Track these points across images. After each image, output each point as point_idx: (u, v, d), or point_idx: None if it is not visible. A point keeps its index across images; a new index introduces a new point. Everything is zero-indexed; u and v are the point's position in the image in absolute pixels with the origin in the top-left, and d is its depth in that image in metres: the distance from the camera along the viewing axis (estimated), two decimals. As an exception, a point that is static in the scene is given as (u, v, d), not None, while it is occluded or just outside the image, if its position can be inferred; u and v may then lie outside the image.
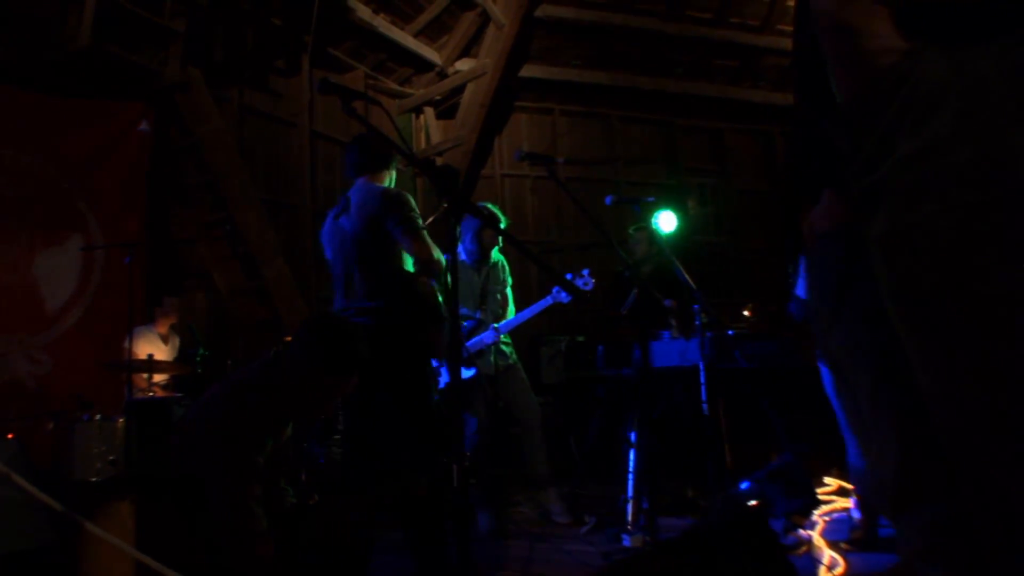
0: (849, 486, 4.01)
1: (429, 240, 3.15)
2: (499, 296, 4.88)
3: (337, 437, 4.79)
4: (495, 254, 4.93)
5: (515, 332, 4.80)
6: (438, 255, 3.14)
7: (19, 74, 5.43)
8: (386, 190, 3.25)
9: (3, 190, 5.32)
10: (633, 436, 4.09)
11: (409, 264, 3.27)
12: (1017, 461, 0.93)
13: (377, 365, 3.14)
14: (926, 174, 1.00)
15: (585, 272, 4.56)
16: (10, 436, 3.70)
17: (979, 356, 0.96)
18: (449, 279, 3.13)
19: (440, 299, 3.29)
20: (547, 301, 4.63)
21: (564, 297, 4.53)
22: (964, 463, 1.02)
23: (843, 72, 1.12)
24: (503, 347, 4.73)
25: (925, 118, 1.00)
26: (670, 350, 4.55)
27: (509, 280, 4.99)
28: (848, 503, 3.92)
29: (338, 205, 3.43)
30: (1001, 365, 0.94)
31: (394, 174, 3.51)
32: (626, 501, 4.03)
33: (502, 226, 4.84)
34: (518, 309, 4.83)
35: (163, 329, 5.86)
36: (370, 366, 3.16)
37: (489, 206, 4.73)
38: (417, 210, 3.20)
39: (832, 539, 3.54)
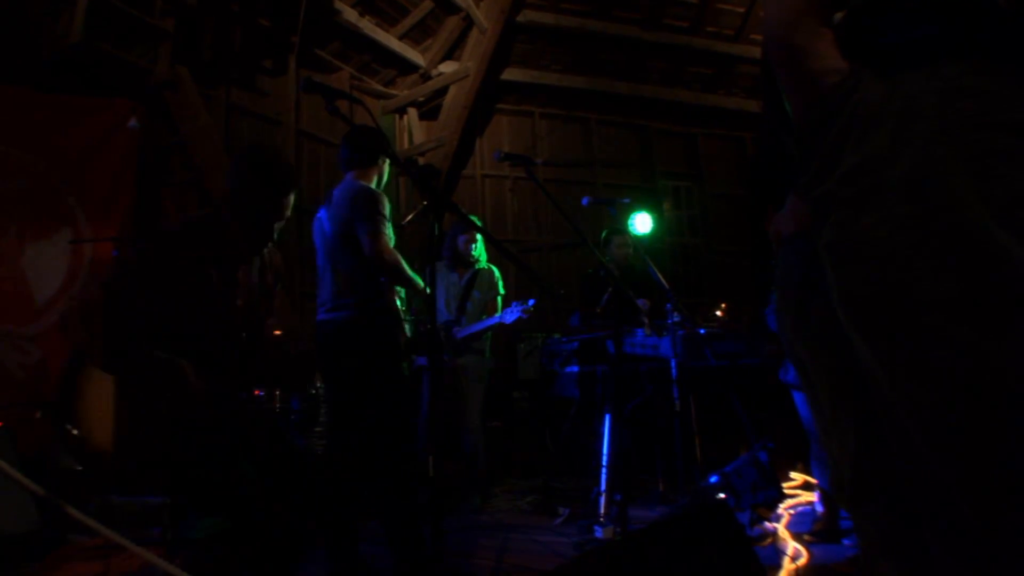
0: (813, 480, 4.07)
1: (386, 240, 3.13)
2: (484, 303, 4.91)
3: (319, 429, 4.78)
4: (484, 262, 4.96)
5: (496, 329, 4.84)
6: (392, 256, 3.12)
7: (10, 71, 5.36)
8: (360, 188, 3.22)
9: (-8, 184, 5.27)
10: (606, 431, 4.12)
11: None
12: (959, 460, 0.97)
13: (346, 361, 3.17)
14: (866, 186, 1.04)
15: (530, 302, 4.60)
16: (-1, 424, 3.67)
17: (916, 359, 1.00)
18: (406, 278, 3.19)
19: (398, 301, 3.30)
20: (494, 319, 4.69)
21: (508, 318, 4.58)
22: (911, 461, 1.05)
23: (792, 91, 1.17)
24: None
25: (866, 134, 1.05)
26: (644, 347, 4.58)
27: (501, 291, 5.01)
28: (812, 497, 3.98)
29: (326, 199, 3.42)
30: (936, 368, 0.97)
31: (386, 172, 3.49)
32: (599, 494, 4.07)
33: (478, 232, 4.87)
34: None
35: None
36: (337, 362, 3.20)
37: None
38: (385, 211, 3.16)
39: (796, 531, 3.59)
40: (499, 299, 4.98)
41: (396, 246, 3.21)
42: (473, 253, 4.94)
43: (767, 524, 3.61)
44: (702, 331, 4.56)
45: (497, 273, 5.04)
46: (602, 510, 4.00)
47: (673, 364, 4.29)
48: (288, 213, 2.64)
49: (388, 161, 3.46)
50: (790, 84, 1.17)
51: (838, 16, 1.13)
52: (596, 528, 3.85)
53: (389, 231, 3.17)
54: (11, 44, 5.33)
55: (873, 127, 1.04)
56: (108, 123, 5.90)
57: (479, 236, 4.96)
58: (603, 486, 4.05)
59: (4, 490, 3.35)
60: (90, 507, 3.95)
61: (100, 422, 4.89)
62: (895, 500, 1.20)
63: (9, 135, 5.37)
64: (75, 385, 5.13)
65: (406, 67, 8.54)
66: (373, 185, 3.31)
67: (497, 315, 4.68)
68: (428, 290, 3.30)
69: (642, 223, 5.27)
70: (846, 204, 1.07)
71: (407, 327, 3.32)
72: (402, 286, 3.27)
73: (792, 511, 4.04)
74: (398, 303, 3.29)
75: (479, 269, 4.96)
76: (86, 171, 5.80)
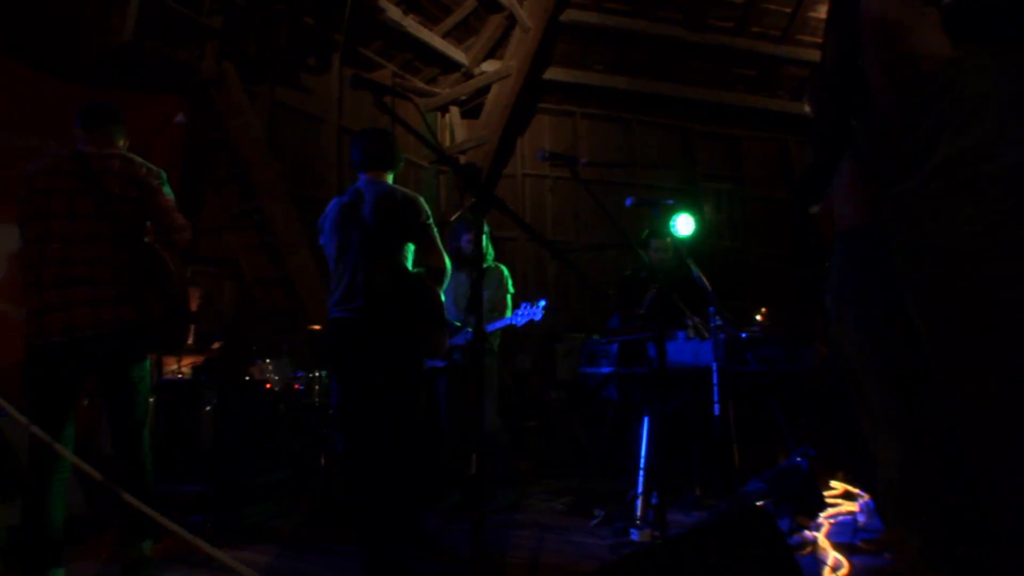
0: (855, 490, 4.00)
1: (443, 249, 3.20)
2: (493, 303, 4.91)
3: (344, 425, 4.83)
4: (490, 260, 4.95)
5: (531, 328, 4.83)
6: (448, 266, 3.20)
7: (62, 67, 5.50)
8: (406, 192, 3.25)
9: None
10: (644, 433, 4.10)
11: (409, 264, 3.28)
12: None
13: (368, 355, 3.16)
14: (963, 180, 0.98)
15: (541, 303, 4.58)
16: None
17: (1005, 361, 0.95)
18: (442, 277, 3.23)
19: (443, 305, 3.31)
20: (504, 321, 4.67)
21: (519, 320, 4.57)
22: (983, 468, 1.02)
23: (886, 76, 1.10)
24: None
25: (967, 125, 0.99)
26: (683, 350, 4.55)
27: (510, 289, 5.01)
28: (853, 506, 3.92)
29: (345, 195, 3.39)
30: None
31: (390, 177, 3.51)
32: (635, 496, 4.04)
33: (484, 234, 4.89)
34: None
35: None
36: (360, 356, 3.18)
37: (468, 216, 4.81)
38: (432, 216, 3.23)
39: (836, 541, 3.53)
40: (508, 298, 4.97)
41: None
42: (482, 251, 4.92)
43: (807, 533, 3.56)
44: (743, 335, 4.51)
45: (506, 272, 5.03)
46: (638, 513, 3.97)
47: (714, 368, 4.25)
48: None
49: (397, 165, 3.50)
50: (884, 69, 1.10)
51: None
52: (632, 531, 3.83)
53: None
54: (63, 42, 5.47)
55: (975, 119, 0.98)
56: (155, 119, 6.03)
57: (484, 234, 4.96)
58: (639, 489, 4.03)
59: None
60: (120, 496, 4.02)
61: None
62: (947, 507, 1.17)
63: (60, 129, 5.49)
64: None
65: (448, 65, 8.58)
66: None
67: (508, 316, 4.67)
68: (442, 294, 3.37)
69: (684, 225, 5.22)
70: (935, 198, 1.01)
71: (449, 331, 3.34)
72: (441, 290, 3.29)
73: (832, 520, 3.98)
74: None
75: (487, 267, 4.95)
76: (134, 166, 5.92)
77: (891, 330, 1.25)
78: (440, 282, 3.22)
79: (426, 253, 3.17)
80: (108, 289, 2.87)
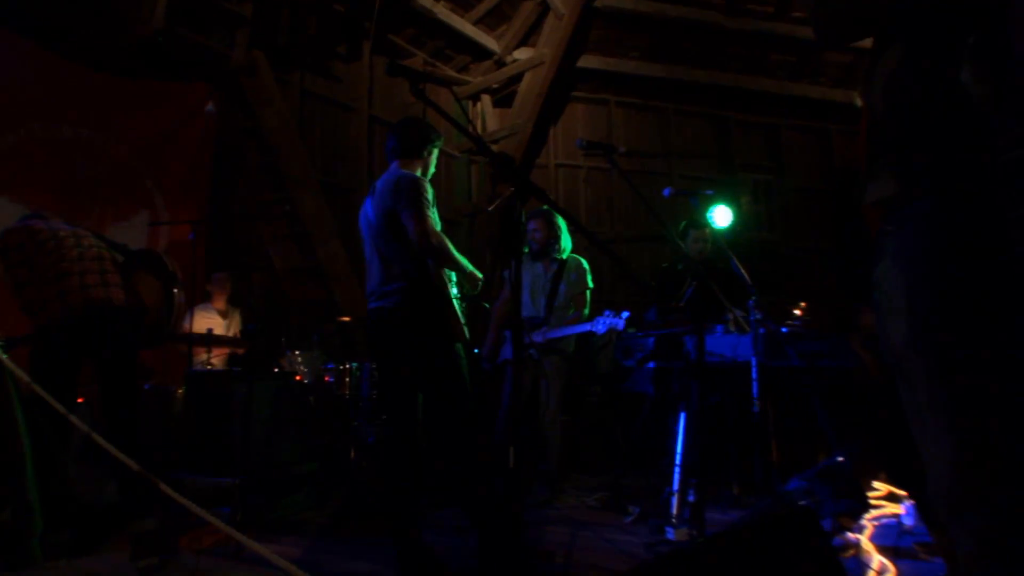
0: (899, 491, 3.92)
1: (431, 223, 3.12)
2: (570, 297, 4.87)
3: (386, 417, 4.84)
4: (567, 252, 4.91)
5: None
6: (438, 239, 3.11)
7: (95, 56, 5.57)
8: (403, 175, 3.24)
9: (78, 167, 5.49)
10: (681, 429, 4.05)
11: None
12: None
13: (398, 348, 3.18)
14: None
15: (624, 314, 4.51)
16: (80, 400, 3.82)
17: None
18: (453, 261, 3.19)
19: (452, 285, 3.29)
20: (585, 327, 4.61)
21: (600, 328, 4.50)
22: None
23: None
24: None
25: None
26: (722, 344, 4.49)
27: (590, 284, 4.95)
28: (899, 508, 3.84)
29: (371, 188, 3.44)
30: None
31: (432, 163, 3.50)
32: (671, 494, 4.00)
33: (553, 220, 4.84)
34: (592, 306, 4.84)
35: (220, 305, 5.97)
36: (390, 350, 3.18)
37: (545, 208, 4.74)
38: (428, 196, 3.18)
39: (881, 544, 3.47)
40: (587, 294, 4.91)
41: (443, 231, 3.22)
42: (553, 243, 4.86)
43: (849, 535, 3.50)
44: (784, 329, 4.45)
45: (585, 264, 4.97)
46: (674, 511, 3.92)
47: (753, 363, 4.19)
48: None
49: (435, 154, 3.49)
50: None
51: None
52: (668, 529, 3.79)
53: (434, 215, 3.17)
54: (94, 31, 5.53)
55: None
56: (186, 108, 6.09)
57: (562, 225, 4.91)
58: (675, 486, 3.98)
59: (87, 463, 3.50)
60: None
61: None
62: (999, 507, 1.13)
63: (92, 120, 5.58)
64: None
65: (480, 53, 8.56)
66: (418, 175, 3.32)
67: (588, 323, 4.60)
68: (480, 276, 3.34)
69: (721, 216, 5.14)
70: None
71: (459, 309, 3.30)
72: (450, 269, 3.27)
73: (876, 522, 3.90)
74: (452, 287, 3.29)
75: (565, 259, 4.90)
76: (164, 155, 6.01)
77: (941, 322, 1.21)
78: (430, 255, 3.17)
79: (410, 227, 3.10)
80: None
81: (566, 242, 4.88)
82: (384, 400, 3.40)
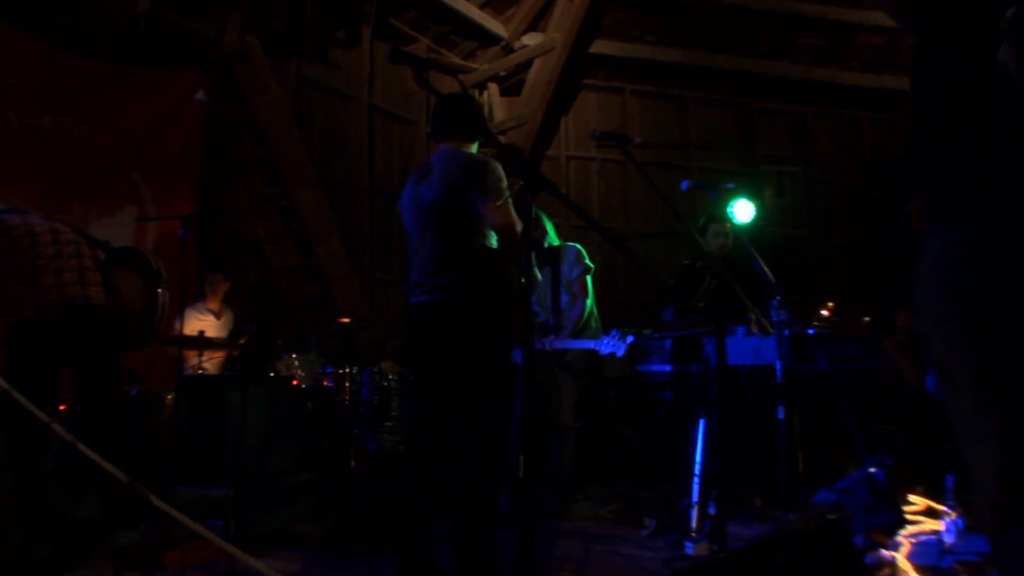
0: (939, 506, 3.88)
1: (513, 212, 3.03)
2: (565, 294, 4.84)
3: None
4: (554, 238, 4.88)
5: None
6: (517, 226, 3.02)
7: (76, 41, 5.57)
8: (473, 156, 3.13)
9: (59, 159, 5.49)
10: (700, 437, 4.03)
11: (492, 241, 3.14)
12: None
13: (446, 346, 3.04)
14: None
15: (629, 339, 4.50)
16: (62, 408, 3.81)
17: None
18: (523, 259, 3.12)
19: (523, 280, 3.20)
20: (589, 344, 4.61)
21: (604, 349, 4.49)
22: None
23: None
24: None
25: None
26: (743, 347, 4.45)
27: (588, 264, 4.92)
28: (938, 525, 3.79)
29: (418, 171, 3.33)
30: None
31: (474, 149, 3.40)
32: (690, 506, 3.98)
33: (545, 224, 4.83)
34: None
35: (214, 305, 5.97)
36: (437, 349, 3.07)
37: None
38: (505, 180, 3.08)
39: (919, 563, 3.42)
40: (588, 278, 4.90)
41: None
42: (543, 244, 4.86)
43: (883, 552, 3.46)
44: (810, 331, 4.41)
45: (577, 246, 4.96)
46: (694, 524, 3.91)
47: (778, 366, 4.16)
48: None
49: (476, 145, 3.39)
50: None
51: None
52: (687, 543, 3.77)
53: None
54: (75, 13, 5.52)
55: None
56: (174, 96, 6.09)
57: (548, 225, 4.89)
58: (695, 497, 3.96)
59: (66, 473, 3.50)
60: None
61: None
62: None
63: (74, 109, 5.58)
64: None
65: (487, 39, 8.54)
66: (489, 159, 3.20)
67: (593, 340, 4.61)
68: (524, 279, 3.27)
69: (743, 211, 5.11)
70: None
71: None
72: (518, 265, 3.18)
73: (913, 539, 3.85)
74: None
75: (558, 246, 4.88)
76: (152, 146, 6.01)
77: (987, 326, 1.20)
78: (512, 247, 3.10)
79: (491, 215, 3.02)
80: None
81: (553, 239, 4.86)
82: (418, 407, 3.22)
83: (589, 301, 4.76)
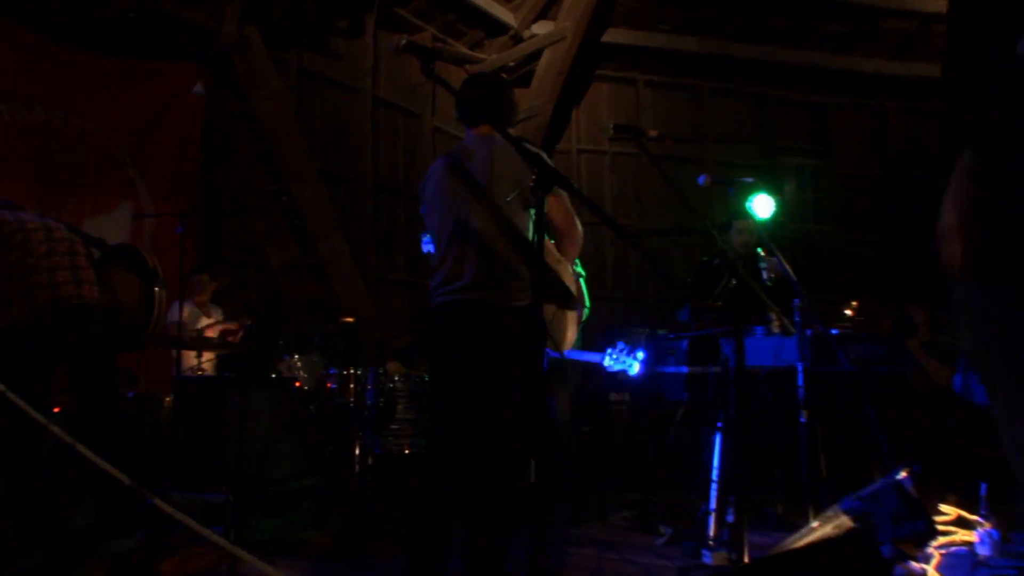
0: (971, 516, 3.84)
1: (573, 212, 2.95)
2: None
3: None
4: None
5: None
6: (579, 231, 2.96)
7: (70, 32, 5.57)
8: (526, 146, 2.84)
9: (53, 153, 5.50)
10: (718, 441, 4.01)
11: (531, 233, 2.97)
12: None
13: (484, 349, 2.93)
14: None
15: (639, 351, 4.47)
16: (56, 409, 3.82)
17: None
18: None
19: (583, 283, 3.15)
20: (591, 356, 4.59)
21: (610, 366, 4.46)
22: None
23: None
24: None
25: None
26: (763, 348, 4.43)
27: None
28: (970, 536, 3.75)
29: (447, 157, 3.18)
30: None
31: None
32: (707, 513, 3.96)
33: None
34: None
35: (202, 299, 5.94)
36: (471, 349, 2.96)
37: None
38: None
39: (950, 576, 3.39)
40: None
41: None
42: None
43: (913, 564, 3.43)
44: (834, 331, 4.39)
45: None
46: (711, 531, 3.89)
47: (799, 368, 4.14)
48: None
49: None
50: None
51: None
52: (704, 552, 3.75)
53: None
54: (71, 4, 5.53)
55: None
56: (171, 89, 6.09)
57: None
58: (712, 504, 3.94)
59: (61, 478, 3.50)
60: (148, 502, 4.08)
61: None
62: None
63: (68, 102, 5.58)
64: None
65: (495, 28, 8.52)
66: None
67: (600, 353, 4.58)
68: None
69: (762, 206, 5.09)
70: None
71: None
72: (567, 274, 3.13)
73: (944, 551, 3.81)
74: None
75: None
76: (148, 140, 6.01)
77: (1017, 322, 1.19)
78: (566, 250, 3.05)
79: (558, 215, 2.92)
80: None
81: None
82: (446, 413, 3.09)
83: (597, 357, 4.70)
